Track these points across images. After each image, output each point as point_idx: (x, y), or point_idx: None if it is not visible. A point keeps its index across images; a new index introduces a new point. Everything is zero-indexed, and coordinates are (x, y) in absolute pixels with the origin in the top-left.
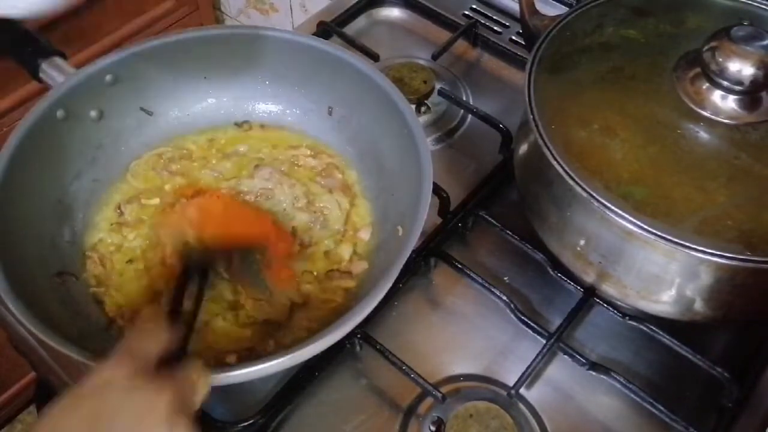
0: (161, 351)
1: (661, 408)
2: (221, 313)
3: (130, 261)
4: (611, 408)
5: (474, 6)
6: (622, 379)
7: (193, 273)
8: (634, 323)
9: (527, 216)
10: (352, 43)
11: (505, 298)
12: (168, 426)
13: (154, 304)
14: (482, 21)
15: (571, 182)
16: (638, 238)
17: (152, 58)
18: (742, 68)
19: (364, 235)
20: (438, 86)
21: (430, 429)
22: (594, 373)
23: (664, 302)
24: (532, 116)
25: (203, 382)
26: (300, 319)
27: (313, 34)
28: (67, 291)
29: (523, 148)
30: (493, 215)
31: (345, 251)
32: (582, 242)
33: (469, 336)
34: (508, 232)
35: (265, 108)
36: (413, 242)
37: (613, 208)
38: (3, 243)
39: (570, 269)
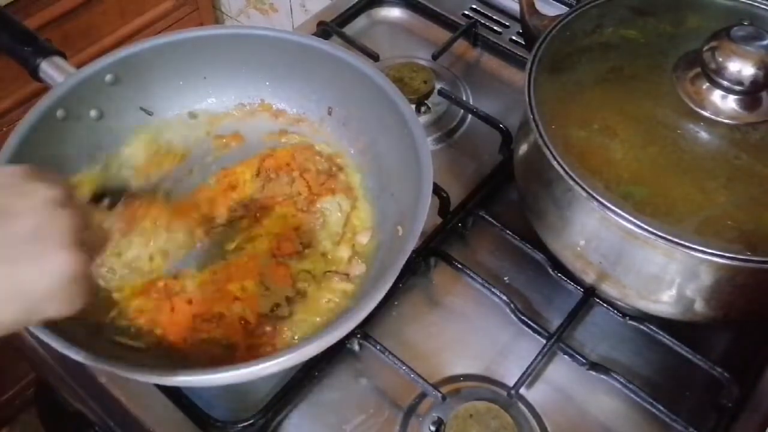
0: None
1: (661, 408)
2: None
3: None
4: (611, 408)
5: (474, 6)
6: (622, 379)
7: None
8: (634, 323)
9: (527, 216)
10: (352, 43)
11: (505, 298)
12: (44, 210)
13: None
14: (482, 21)
15: (571, 182)
16: (638, 238)
17: (152, 58)
18: (742, 68)
19: (363, 239)
20: (438, 86)
21: (430, 429)
22: (594, 373)
23: (664, 302)
24: (532, 116)
25: (105, 222)
26: (301, 315)
27: (313, 34)
28: None
29: (523, 148)
30: (493, 215)
31: (343, 253)
32: (582, 242)
33: (469, 336)
34: (508, 231)
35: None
36: (413, 242)
37: (613, 208)
38: None
39: (570, 269)
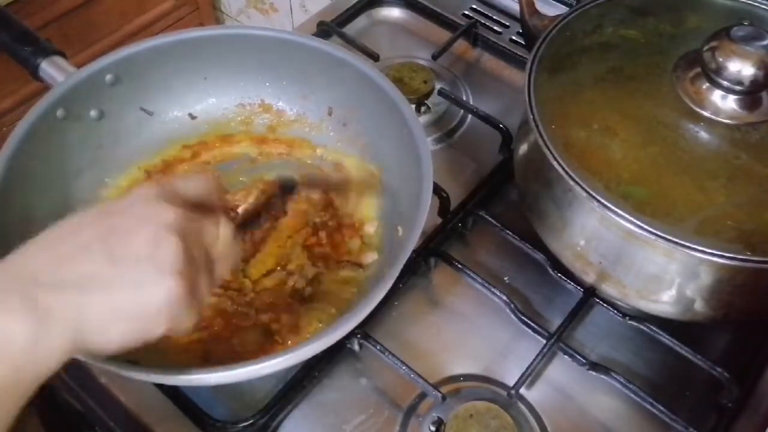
0: (202, 198)
1: (661, 408)
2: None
3: None
4: (611, 408)
5: (474, 6)
6: (622, 379)
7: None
8: (634, 323)
9: (527, 216)
10: (352, 43)
11: (505, 298)
12: (154, 237)
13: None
14: (482, 21)
15: (571, 182)
16: (638, 238)
17: (152, 58)
18: (742, 68)
19: (370, 228)
20: (438, 86)
21: (430, 429)
22: (594, 373)
23: (664, 302)
24: (532, 116)
25: (227, 238)
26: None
27: (313, 34)
28: None
29: (523, 148)
30: (493, 215)
31: (353, 243)
32: (582, 242)
33: (469, 336)
34: (508, 232)
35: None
36: (413, 242)
37: (613, 208)
38: (2, 244)
39: (570, 269)
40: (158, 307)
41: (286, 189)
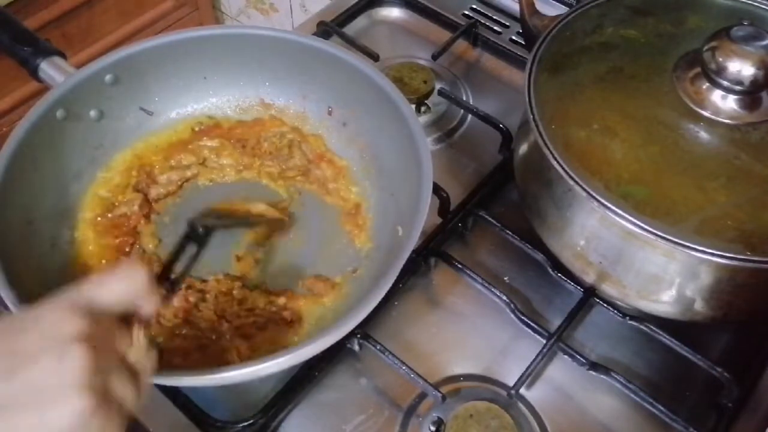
0: (124, 306)
1: (661, 408)
2: None
3: None
4: (611, 408)
5: (474, 6)
6: (622, 379)
7: (194, 239)
8: (634, 323)
9: (527, 216)
10: (352, 43)
11: (505, 298)
12: (58, 352)
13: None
14: (482, 21)
15: (571, 182)
16: (638, 238)
17: (152, 58)
18: (742, 68)
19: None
20: (438, 86)
21: (430, 429)
22: (594, 373)
23: (664, 302)
24: (532, 116)
25: (141, 343)
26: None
27: (313, 34)
28: None
29: (523, 148)
30: (493, 215)
31: None
32: (582, 242)
33: (469, 336)
34: (508, 232)
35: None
36: (413, 242)
37: (613, 208)
38: (3, 243)
39: (570, 269)
40: (65, 426)
41: (195, 238)
